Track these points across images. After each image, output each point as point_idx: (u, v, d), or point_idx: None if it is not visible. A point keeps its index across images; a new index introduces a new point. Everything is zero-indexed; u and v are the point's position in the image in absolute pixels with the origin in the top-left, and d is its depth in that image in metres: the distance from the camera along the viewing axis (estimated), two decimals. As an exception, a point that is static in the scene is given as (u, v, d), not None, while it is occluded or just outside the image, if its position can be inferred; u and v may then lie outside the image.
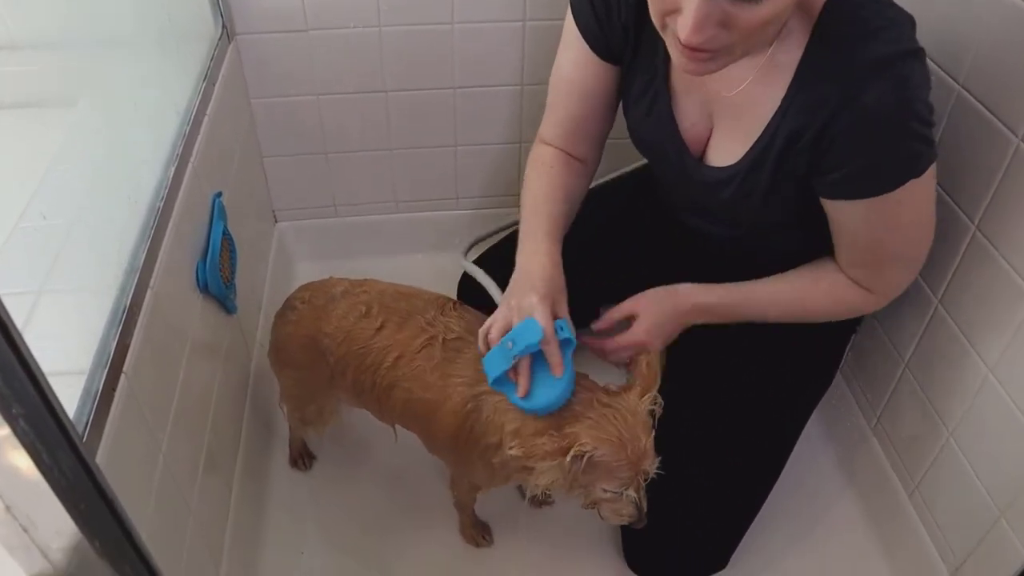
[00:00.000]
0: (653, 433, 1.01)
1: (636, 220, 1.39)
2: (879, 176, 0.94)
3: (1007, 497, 1.08)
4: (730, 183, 1.05)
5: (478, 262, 1.42)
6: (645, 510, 1.04)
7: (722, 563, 1.25)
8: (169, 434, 1.03)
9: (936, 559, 1.23)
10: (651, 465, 1.01)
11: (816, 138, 0.94)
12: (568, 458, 0.95)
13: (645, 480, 1.02)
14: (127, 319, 0.92)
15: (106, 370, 0.85)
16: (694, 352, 1.26)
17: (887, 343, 1.34)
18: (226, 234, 1.32)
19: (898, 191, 0.94)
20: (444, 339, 1.11)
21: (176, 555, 1.03)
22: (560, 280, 1.07)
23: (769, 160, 1.00)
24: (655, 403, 1.02)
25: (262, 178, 1.75)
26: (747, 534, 1.26)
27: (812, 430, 1.47)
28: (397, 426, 1.26)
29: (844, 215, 1.01)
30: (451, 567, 1.34)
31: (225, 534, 1.25)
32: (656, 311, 1.13)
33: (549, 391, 1.00)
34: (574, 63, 1.13)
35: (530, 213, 1.15)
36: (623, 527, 1.29)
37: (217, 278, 1.24)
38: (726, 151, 1.05)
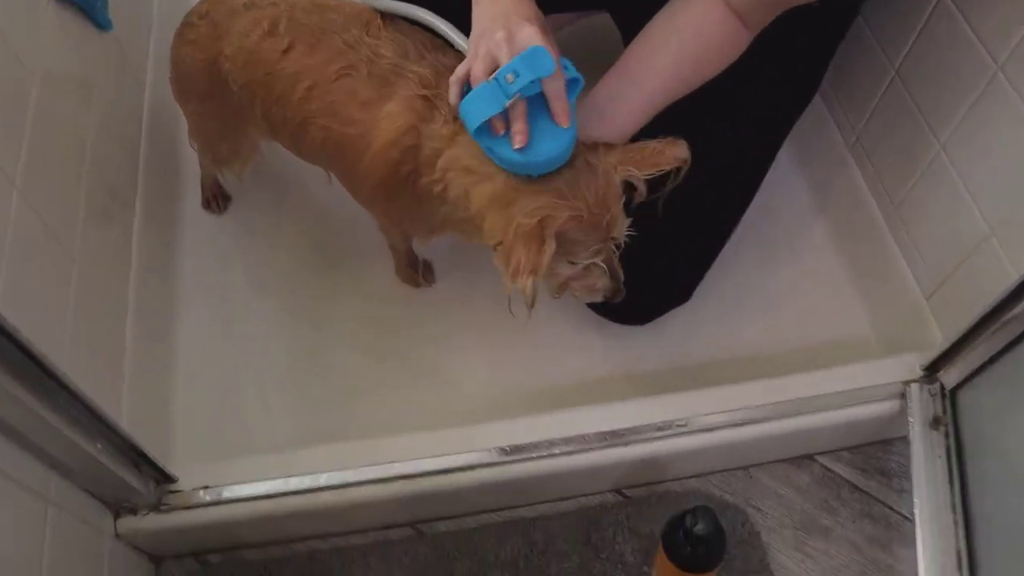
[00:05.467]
0: (622, 200, 0.87)
1: None
2: None
3: (1001, 213, 0.97)
4: None
5: None
6: (622, 279, 0.94)
7: (685, 296, 1.15)
8: (24, 165, 0.85)
9: (911, 282, 1.15)
10: (620, 232, 0.89)
11: None
12: (545, 256, 0.81)
13: (618, 249, 0.91)
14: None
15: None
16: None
17: (875, 48, 1.16)
18: (79, -78, 1.06)
19: None
20: (370, 69, 0.91)
21: (55, 306, 0.89)
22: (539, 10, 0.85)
23: None
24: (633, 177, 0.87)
25: None
26: (715, 264, 1.15)
27: (784, 156, 1.32)
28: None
29: None
30: (388, 312, 1.23)
31: (128, 285, 1.12)
32: None
33: (553, 143, 0.80)
34: None
35: None
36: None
37: (71, -22, 1.01)
38: None
